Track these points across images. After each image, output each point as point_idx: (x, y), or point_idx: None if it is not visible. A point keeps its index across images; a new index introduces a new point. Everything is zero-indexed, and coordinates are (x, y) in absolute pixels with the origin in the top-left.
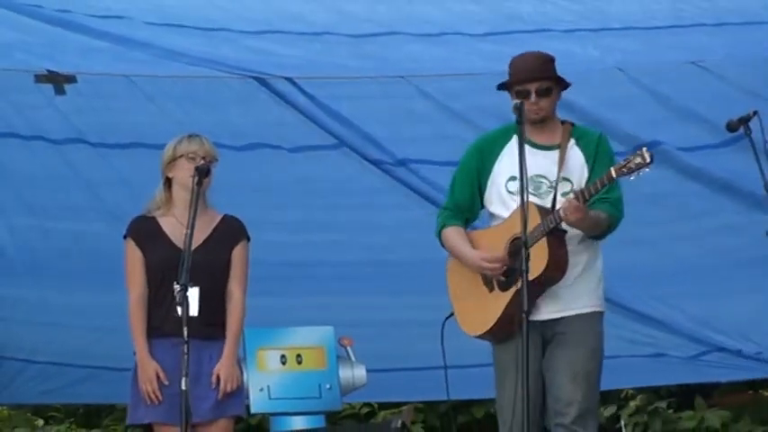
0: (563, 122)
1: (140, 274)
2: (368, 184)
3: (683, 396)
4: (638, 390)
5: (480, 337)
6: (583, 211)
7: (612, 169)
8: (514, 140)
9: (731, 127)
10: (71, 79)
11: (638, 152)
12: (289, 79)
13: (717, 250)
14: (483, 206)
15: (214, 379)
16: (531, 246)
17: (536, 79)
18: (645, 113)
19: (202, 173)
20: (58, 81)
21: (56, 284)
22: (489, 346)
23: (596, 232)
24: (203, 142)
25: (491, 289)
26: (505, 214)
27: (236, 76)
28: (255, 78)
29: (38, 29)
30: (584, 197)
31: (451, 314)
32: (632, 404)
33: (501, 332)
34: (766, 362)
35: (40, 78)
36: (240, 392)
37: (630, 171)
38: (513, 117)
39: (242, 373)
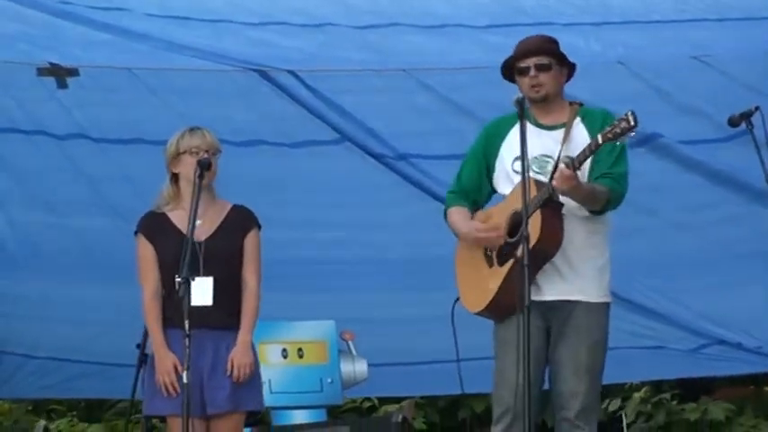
0: (571, 103)
1: (153, 270)
2: (370, 180)
3: (687, 389)
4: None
5: (480, 313)
6: (573, 179)
7: (599, 135)
8: None
9: (733, 122)
10: (73, 72)
11: (622, 117)
12: (291, 72)
13: (718, 243)
14: (494, 190)
15: (229, 366)
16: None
17: (535, 54)
18: (646, 108)
19: (204, 166)
20: (61, 74)
21: (57, 279)
22: (488, 342)
23: (595, 206)
24: (205, 135)
25: (491, 265)
26: None
27: (239, 68)
28: (257, 71)
29: (40, 20)
30: (573, 165)
31: (458, 299)
32: (636, 395)
33: (499, 308)
34: (766, 356)
35: (42, 71)
36: (256, 385)
37: (617, 136)
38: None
39: (257, 362)
